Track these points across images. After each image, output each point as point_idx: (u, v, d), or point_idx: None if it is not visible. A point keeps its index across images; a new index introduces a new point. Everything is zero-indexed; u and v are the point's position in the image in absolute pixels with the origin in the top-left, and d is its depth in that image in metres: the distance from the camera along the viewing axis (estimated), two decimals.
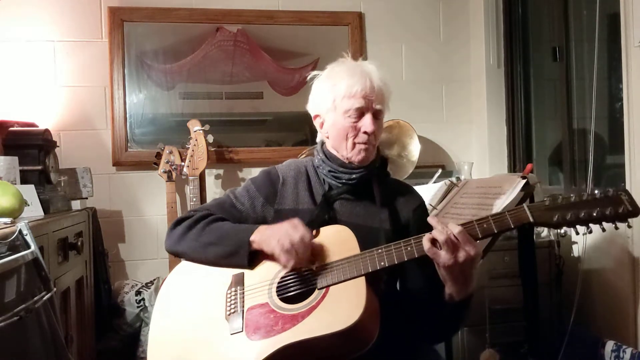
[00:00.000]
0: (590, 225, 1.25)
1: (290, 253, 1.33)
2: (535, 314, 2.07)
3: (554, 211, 1.25)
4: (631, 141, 2.09)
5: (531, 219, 1.25)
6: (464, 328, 2.39)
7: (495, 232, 1.28)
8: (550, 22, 2.94)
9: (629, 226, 1.24)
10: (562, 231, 1.27)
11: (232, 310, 1.37)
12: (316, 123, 1.59)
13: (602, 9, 2.38)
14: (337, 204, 1.52)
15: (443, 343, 2.31)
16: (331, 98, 1.50)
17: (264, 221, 1.52)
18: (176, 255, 1.53)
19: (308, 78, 1.61)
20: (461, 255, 1.26)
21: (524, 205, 1.28)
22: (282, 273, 1.39)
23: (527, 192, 1.93)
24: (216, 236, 1.44)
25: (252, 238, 1.40)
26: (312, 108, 1.60)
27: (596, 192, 1.24)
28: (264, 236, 1.39)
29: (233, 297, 1.40)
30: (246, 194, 1.56)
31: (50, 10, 2.83)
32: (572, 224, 1.24)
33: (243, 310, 1.36)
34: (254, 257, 1.42)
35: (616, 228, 1.24)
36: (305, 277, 1.36)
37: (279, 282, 1.38)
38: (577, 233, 1.26)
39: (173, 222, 1.53)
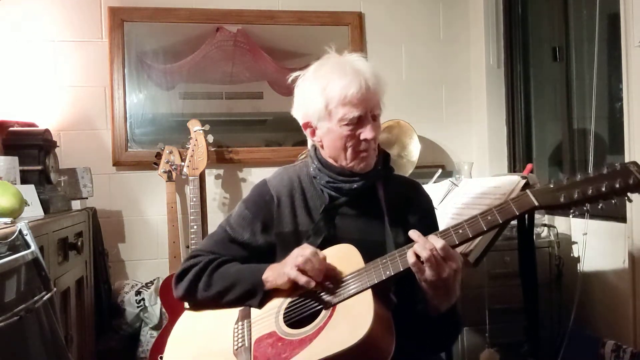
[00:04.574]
0: (600, 201, 1.18)
1: (306, 267, 1.28)
2: (535, 314, 2.06)
3: (559, 192, 1.19)
4: (631, 141, 2.09)
5: (536, 203, 1.20)
6: (463, 328, 2.39)
7: (501, 222, 1.23)
8: (550, 22, 2.93)
9: None
10: (571, 211, 1.21)
11: (240, 345, 1.33)
12: (306, 131, 1.46)
13: (602, 9, 2.38)
14: (338, 220, 1.43)
15: None
16: (323, 104, 1.37)
17: (267, 245, 1.47)
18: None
19: (289, 80, 1.46)
20: (444, 271, 1.21)
21: (527, 190, 1.23)
22: (289, 300, 1.35)
23: None
24: (227, 283, 1.40)
25: (264, 277, 1.36)
26: (299, 114, 1.45)
27: (603, 168, 1.18)
28: (275, 272, 1.35)
29: (240, 331, 1.35)
30: (242, 222, 1.48)
31: (50, 11, 2.83)
32: (579, 203, 1.18)
33: (250, 344, 1.31)
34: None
35: (629, 200, 1.18)
36: (312, 300, 1.32)
37: (286, 309, 1.33)
38: (587, 211, 1.20)
39: (177, 273, 1.47)
